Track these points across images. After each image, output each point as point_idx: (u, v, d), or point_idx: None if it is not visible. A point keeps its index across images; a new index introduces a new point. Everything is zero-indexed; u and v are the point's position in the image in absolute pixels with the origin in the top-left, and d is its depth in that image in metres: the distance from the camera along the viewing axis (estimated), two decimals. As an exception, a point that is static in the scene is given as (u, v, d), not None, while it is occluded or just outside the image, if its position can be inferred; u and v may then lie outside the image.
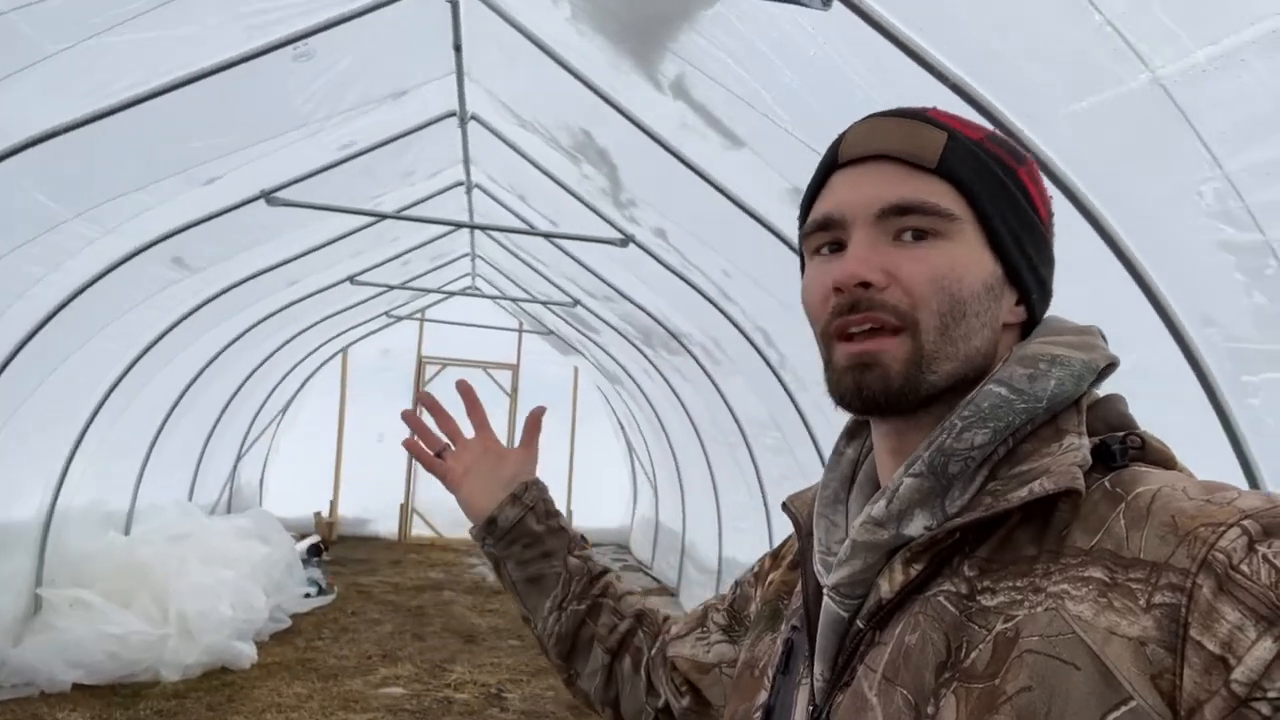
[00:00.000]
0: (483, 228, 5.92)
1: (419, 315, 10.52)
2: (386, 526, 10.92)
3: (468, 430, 1.23)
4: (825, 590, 0.73)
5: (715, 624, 1.02)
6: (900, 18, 2.17)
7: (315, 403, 10.73)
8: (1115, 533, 0.59)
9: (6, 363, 4.12)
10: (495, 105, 4.50)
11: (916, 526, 0.68)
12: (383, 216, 5.44)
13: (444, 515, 10.91)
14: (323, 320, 8.21)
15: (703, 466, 7.43)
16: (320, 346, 9.59)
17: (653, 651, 1.08)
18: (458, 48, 3.88)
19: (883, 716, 0.64)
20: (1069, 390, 0.68)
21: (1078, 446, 0.65)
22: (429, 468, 1.20)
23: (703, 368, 6.04)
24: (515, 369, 11.11)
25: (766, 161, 3.14)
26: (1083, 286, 2.23)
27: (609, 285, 6.07)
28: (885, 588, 0.68)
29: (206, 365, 6.84)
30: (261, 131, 3.95)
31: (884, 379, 0.69)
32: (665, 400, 7.74)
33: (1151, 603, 0.54)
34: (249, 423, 9.26)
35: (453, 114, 4.69)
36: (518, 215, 6.10)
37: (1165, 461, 0.66)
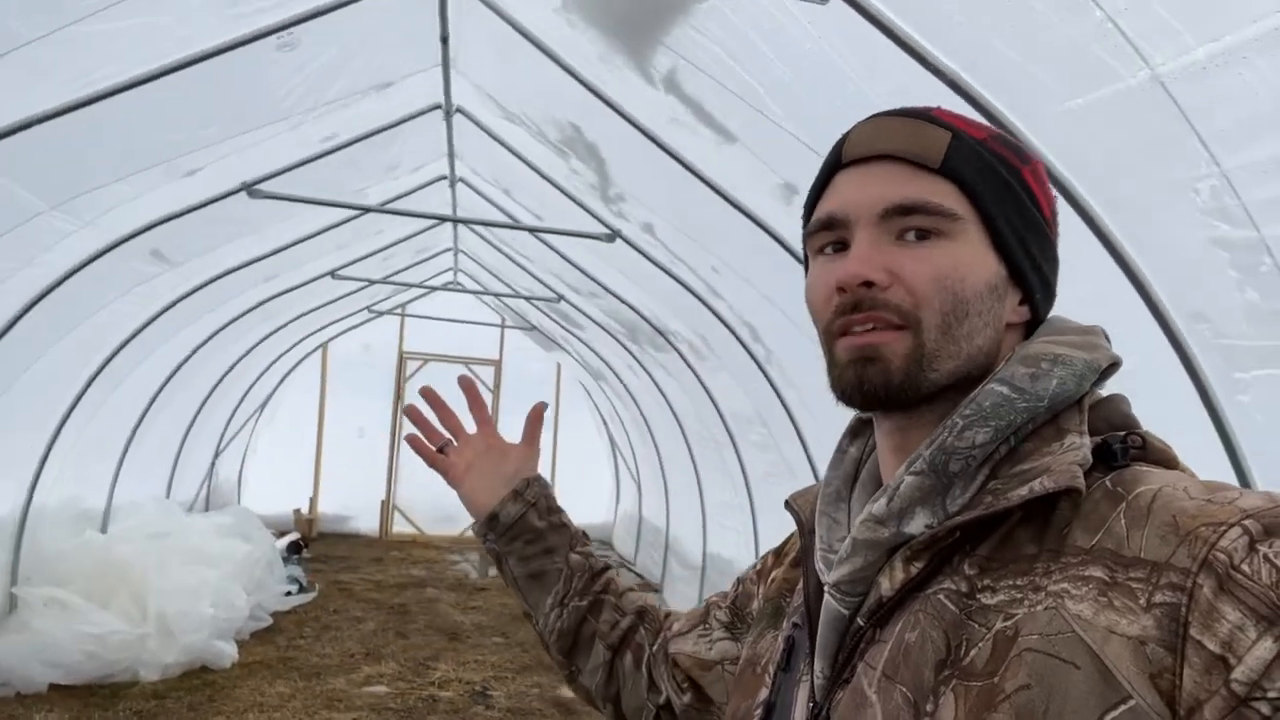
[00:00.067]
0: (466, 222, 5.87)
1: (400, 310, 10.44)
2: (367, 523, 10.84)
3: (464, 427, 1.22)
4: (826, 588, 0.73)
5: (717, 621, 1.02)
6: (897, 12, 2.16)
7: (294, 398, 10.61)
8: (1116, 532, 0.59)
9: (-20, 358, 4.04)
10: (482, 98, 4.45)
11: (917, 525, 0.68)
12: (366, 210, 5.38)
13: (425, 512, 10.85)
14: (303, 315, 8.12)
15: (687, 462, 7.42)
16: (300, 341, 9.49)
17: (654, 648, 1.08)
18: (445, 39, 3.84)
19: (882, 714, 0.64)
20: (1071, 390, 0.68)
21: (1079, 446, 0.65)
22: (431, 463, 1.20)
23: (688, 363, 6.03)
24: (498, 365, 11.06)
25: (758, 157, 3.12)
26: (1076, 283, 2.24)
27: (594, 281, 6.04)
28: (886, 585, 0.68)
29: (184, 361, 6.74)
30: (244, 123, 3.89)
31: (885, 373, 0.69)
32: (649, 396, 7.73)
33: (1152, 602, 0.54)
34: (227, 419, 9.15)
35: (438, 107, 4.64)
36: (503, 210, 6.05)
37: (1167, 461, 0.66)
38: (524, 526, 1.13)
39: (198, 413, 7.95)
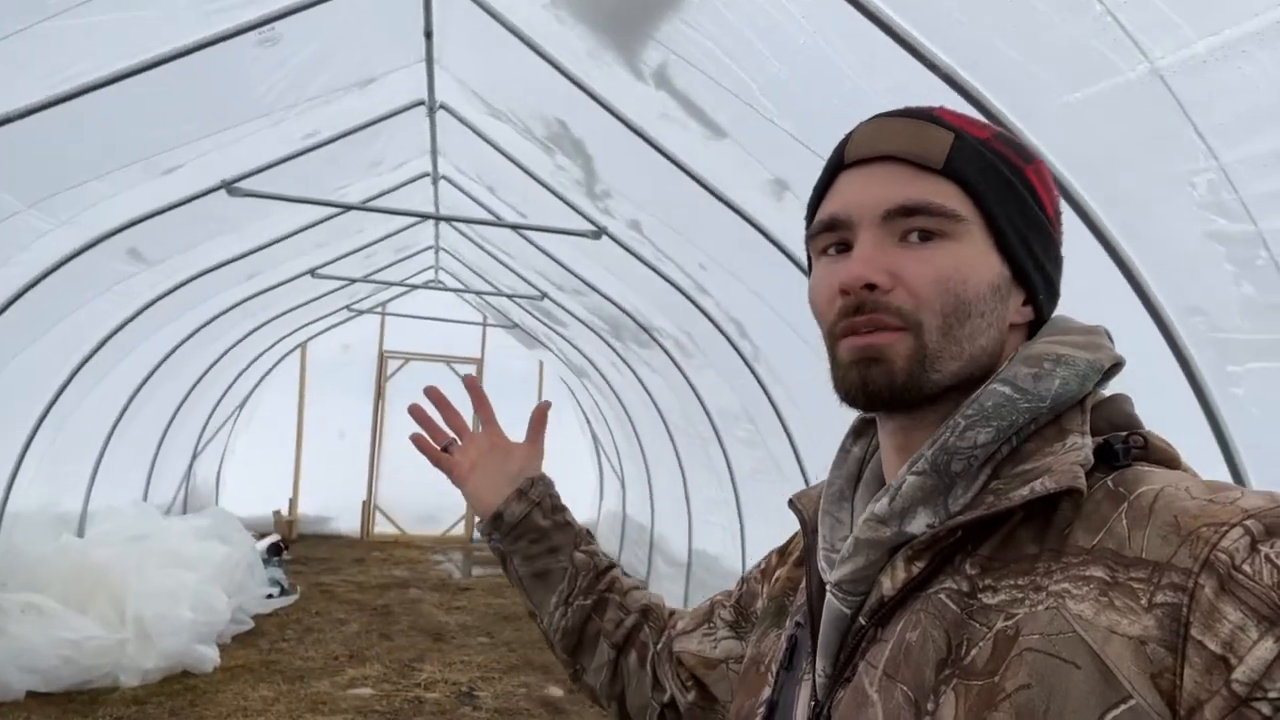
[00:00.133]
0: (449, 219, 5.81)
1: (380, 309, 10.34)
2: (348, 524, 10.74)
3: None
4: (828, 587, 0.73)
5: (722, 620, 1.03)
6: (894, 8, 2.15)
7: (273, 399, 10.48)
8: (1117, 532, 0.59)
9: (-46, 360, 3.95)
10: (466, 94, 4.41)
11: (919, 524, 0.69)
12: (347, 207, 5.32)
13: (407, 512, 10.77)
14: (282, 314, 8.02)
15: (672, 459, 7.41)
16: (279, 341, 9.38)
17: (658, 646, 1.08)
18: (429, 34, 3.79)
19: (883, 713, 0.64)
20: (1073, 390, 0.68)
21: (1080, 446, 0.65)
22: (436, 463, 1.20)
23: (673, 360, 6.01)
24: (479, 363, 10.99)
25: (750, 152, 3.10)
26: (1069, 277, 2.24)
27: (579, 278, 6.01)
28: (887, 585, 0.68)
29: (161, 362, 6.64)
30: (224, 119, 3.82)
31: (888, 374, 0.69)
32: (633, 393, 7.71)
33: (1153, 602, 0.54)
34: (205, 420, 9.03)
35: (421, 103, 4.59)
36: (486, 207, 6.00)
37: (1169, 461, 0.66)
38: (528, 525, 1.13)
39: (175, 414, 7.83)
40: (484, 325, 10.84)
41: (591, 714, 5.31)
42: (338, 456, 10.53)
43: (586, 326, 7.19)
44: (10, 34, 2.65)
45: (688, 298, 4.84)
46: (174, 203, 4.32)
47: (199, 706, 4.98)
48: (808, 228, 0.78)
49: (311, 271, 6.84)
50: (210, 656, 5.61)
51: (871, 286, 0.69)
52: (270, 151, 4.37)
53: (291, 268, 6.58)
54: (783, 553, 0.98)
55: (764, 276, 3.91)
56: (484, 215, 6.04)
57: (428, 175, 5.78)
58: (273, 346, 9.39)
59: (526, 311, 8.41)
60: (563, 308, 7.21)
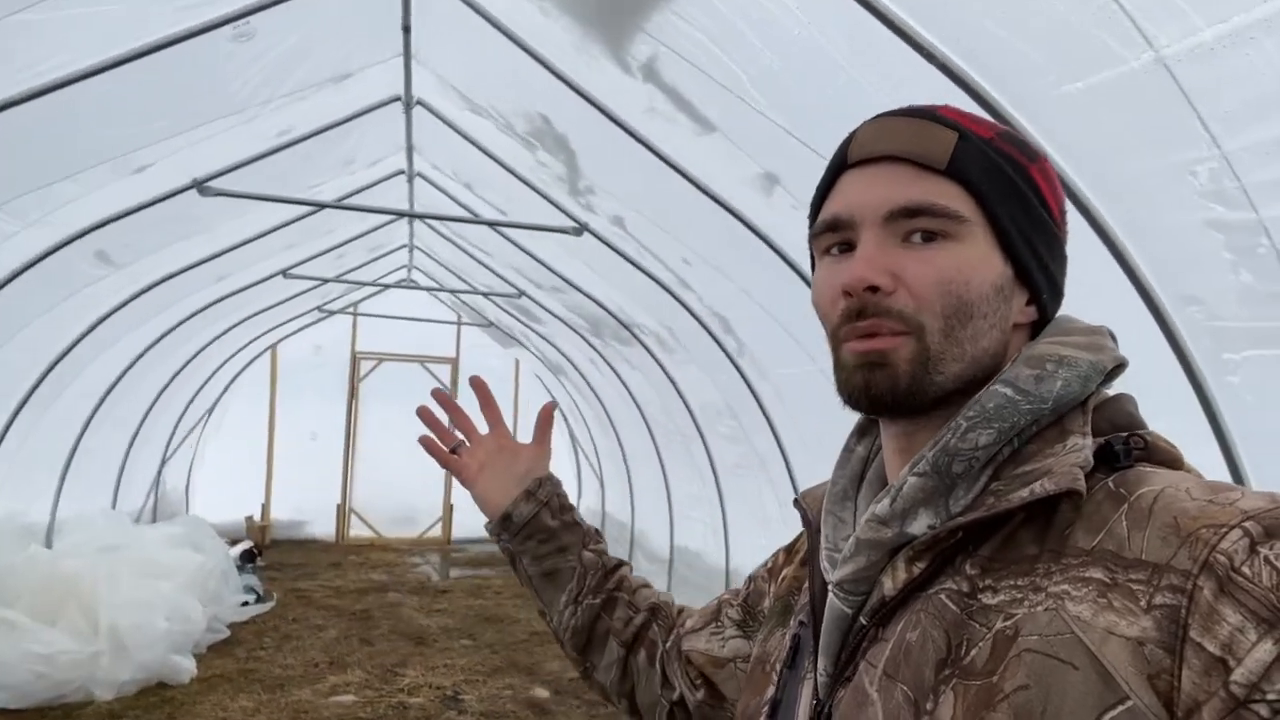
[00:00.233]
0: (424, 217, 5.73)
1: (352, 309, 10.19)
2: (323, 528, 10.57)
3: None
4: (830, 586, 0.74)
5: (729, 619, 1.03)
6: (891, -3, 2.13)
7: (243, 403, 10.29)
8: (1117, 533, 0.59)
9: (-84, 368, 3.81)
10: (445, 89, 4.34)
11: (920, 525, 0.69)
12: (321, 206, 5.22)
13: (383, 514, 10.64)
14: (252, 316, 7.87)
15: (652, 456, 7.39)
16: (248, 344, 9.21)
17: (667, 645, 1.08)
18: (406, 29, 3.72)
19: (883, 712, 0.64)
20: (1075, 391, 0.68)
21: (1081, 447, 0.65)
22: (445, 465, 1.21)
23: (654, 357, 5.99)
24: (454, 363, 10.88)
25: (739, 146, 3.08)
26: (1068, 271, 2.24)
27: (558, 275, 5.95)
28: (888, 585, 0.69)
29: (129, 366, 6.48)
30: (197, 116, 3.72)
31: (892, 378, 0.69)
32: (612, 390, 7.67)
33: (1152, 604, 0.54)
34: (173, 425, 8.84)
35: (397, 99, 4.51)
36: (463, 205, 5.92)
37: (1171, 462, 0.66)
38: (537, 526, 1.14)
39: (144, 419, 7.66)
40: (458, 324, 10.73)
41: (578, 715, 5.27)
42: (310, 459, 10.37)
43: (565, 324, 7.13)
44: (-27, 28, 2.55)
45: (670, 294, 4.81)
46: (144, 203, 4.21)
47: (177, 718, 4.87)
48: (811, 227, 0.78)
49: (283, 272, 6.71)
50: (187, 667, 5.49)
51: (874, 288, 0.69)
52: (243, 149, 4.27)
53: (262, 269, 6.45)
54: (789, 551, 0.99)
55: (751, 272, 3.90)
56: (461, 213, 5.96)
57: (403, 173, 5.70)
58: (242, 349, 9.22)
59: (503, 310, 8.34)
60: (541, 305, 7.15)
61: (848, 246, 0.73)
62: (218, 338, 7.82)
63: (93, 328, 5.29)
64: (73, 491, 6.36)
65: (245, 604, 7.06)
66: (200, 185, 4.29)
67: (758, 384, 4.76)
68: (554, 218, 4.77)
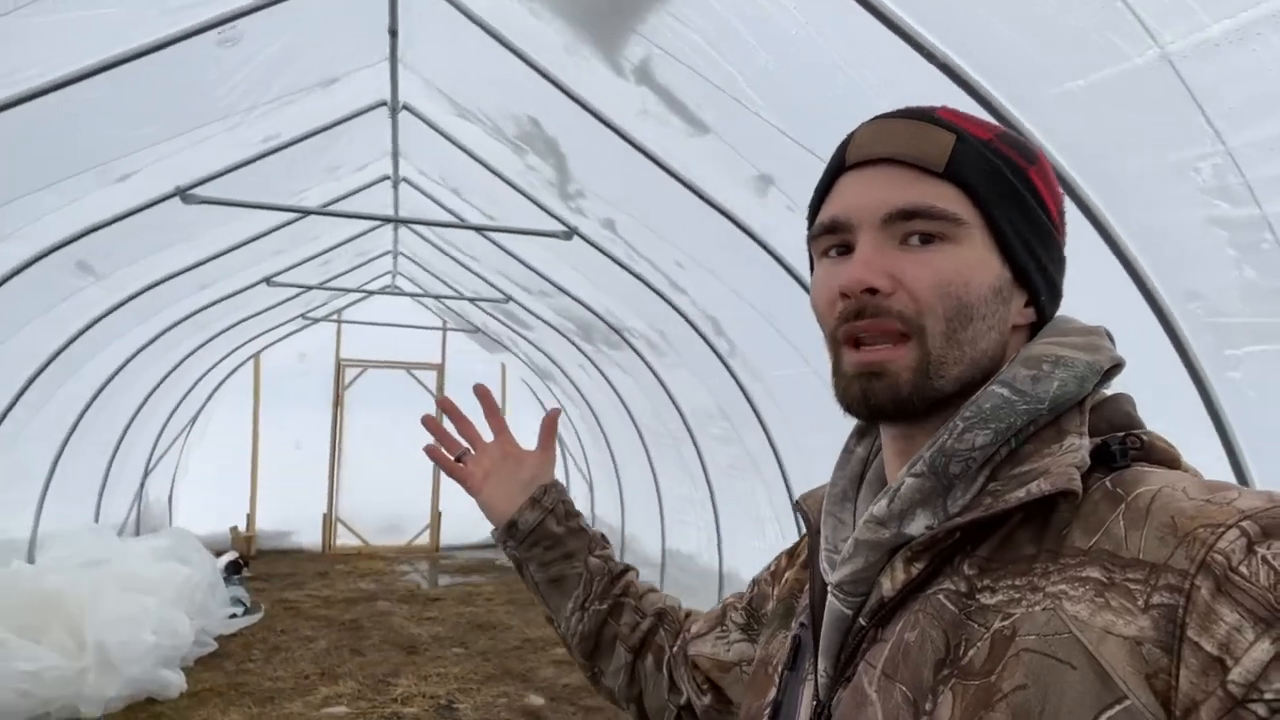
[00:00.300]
0: (410, 222, 5.68)
1: (336, 317, 10.10)
2: (309, 538, 10.46)
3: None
4: (830, 588, 0.74)
5: (734, 623, 1.04)
6: (891, -5, 2.12)
7: (226, 412, 10.16)
8: (1114, 533, 0.59)
9: (-106, 383, 3.72)
10: (432, 94, 4.30)
11: (918, 526, 0.69)
12: (306, 213, 5.17)
13: (369, 523, 10.53)
14: (235, 325, 7.78)
15: (642, 459, 7.36)
16: (231, 353, 9.09)
17: (674, 650, 1.09)
18: (393, 32, 3.68)
19: (882, 712, 0.64)
20: (1072, 391, 0.68)
21: (1077, 447, 0.65)
22: (450, 473, 1.21)
23: (645, 360, 5.96)
24: (440, 369, 10.81)
25: (734, 148, 3.06)
26: (1068, 269, 2.24)
27: (547, 280, 5.92)
28: (887, 586, 0.69)
29: (111, 378, 6.38)
30: (181, 123, 3.67)
31: (892, 388, 0.69)
32: (602, 394, 7.64)
33: (1149, 603, 0.54)
34: (156, 436, 8.72)
35: (383, 104, 4.46)
36: (449, 210, 5.88)
37: (1170, 462, 0.66)
38: (543, 533, 1.14)
39: (125, 431, 7.54)
40: (444, 330, 10.66)
41: (575, 721, 5.24)
42: (295, 468, 10.25)
43: (553, 328, 7.10)
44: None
45: (661, 296, 4.79)
46: (126, 211, 4.14)
47: (167, 735, 4.79)
48: (809, 229, 0.78)
49: (267, 280, 6.64)
50: (175, 682, 5.40)
51: (872, 290, 0.69)
52: (227, 156, 4.21)
53: (246, 277, 6.38)
54: (792, 554, 0.99)
55: (744, 273, 3.88)
56: (447, 218, 5.91)
57: (388, 178, 5.64)
58: (225, 358, 9.11)
59: (489, 315, 8.29)
60: (528, 310, 7.11)
61: (846, 249, 0.73)
62: (200, 347, 7.72)
63: (73, 339, 5.20)
64: (55, 506, 6.25)
65: (233, 616, 6.97)
66: (184, 193, 4.23)
67: (750, 385, 4.74)
68: (543, 222, 4.74)
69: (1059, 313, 0.76)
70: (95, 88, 2.97)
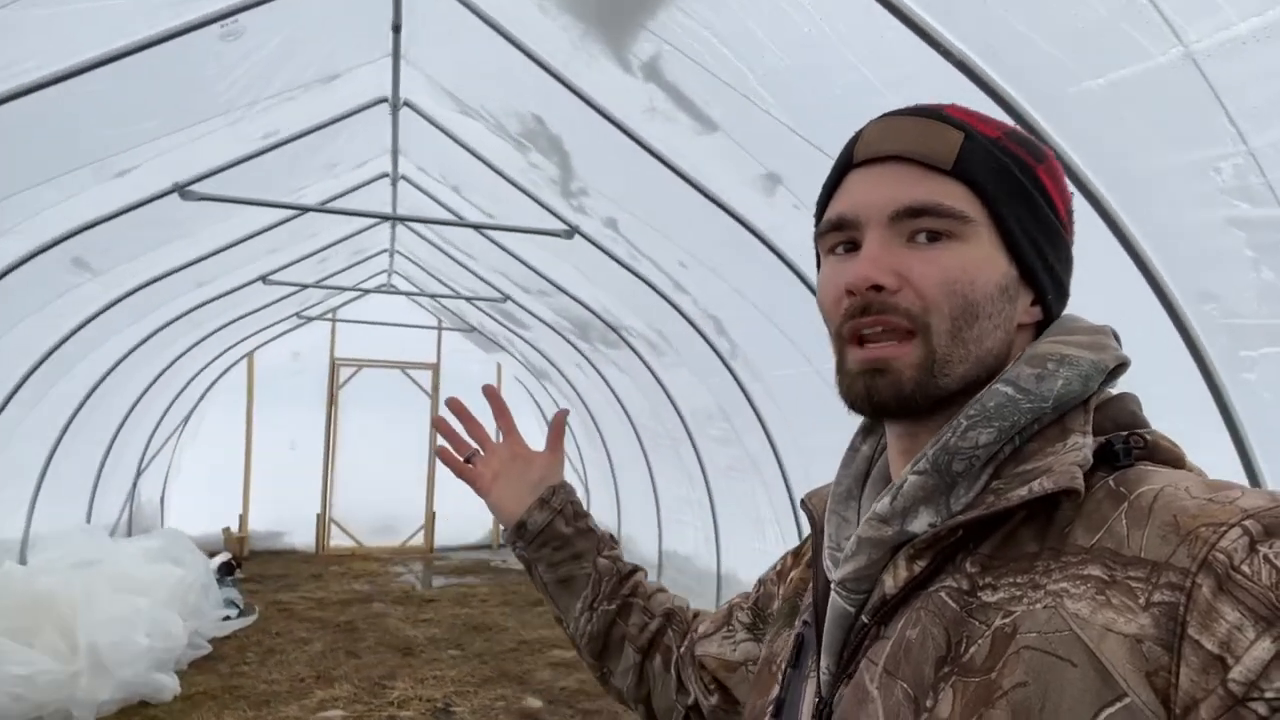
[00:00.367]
0: (408, 220, 5.63)
1: (331, 315, 10.04)
2: (303, 538, 10.38)
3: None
4: (832, 585, 0.74)
5: (740, 622, 1.04)
6: (908, -8, 2.10)
7: (219, 412, 10.07)
8: (1116, 531, 0.59)
9: (-114, 381, 3.67)
10: (434, 90, 4.26)
11: (921, 523, 0.69)
12: (304, 210, 5.12)
13: (363, 523, 10.47)
14: (229, 324, 7.72)
15: (639, 459, 7.34)
16: (224, 352, 9.03)
17: (681, 650, 1.09)
18: (396, 28, 3.64)
19: (883, 709, 0.65)
20: (1076, 390, 0.68)
21: (1081, 446, 0.65)
22: (459, 474, 1.21)
23: (643, 360, 5.93)
24: (435, 368, 10.75)
25: (742, 146, 3.04)
26: (1079, 266, 2.22)
27: (546, 279, 5.89)
28: (889, 583, 0.69)
29: (105, 376, 6.32)
30: (181, 118, 3.62)
31: (896, 385, 0.69)
32: (599, 394, 7.61)
33: (1150, 601, 0.54)
34: (148, 436, 8.65)
35: (384, 100, 4.43)
36: (448, 208, 5.84)
37: (1174, 461, 0.66)
38: (552, 533, 1.15)
39: (118, 431, 7.48)
40: (439, 329, 10.60)
41: (573, 724, 5.20)
42: (289, 469, 10.18)
43: (551, 328, 7.06)
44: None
45: (663, 296, 4.77)
46: (124, 207, 4.09)
47: (161, 738, 4.74)
48: (816, 226, 0.78)
49: (263, 278, 6.59)
50: (169, 685, 5.34)
51: (878, 288, 0.69)
52: (227, 152, 4.17)
53: (242, 274, 6.33)
54: (797, 554, 0.99)
55: (747, 273, 3.86)
56: (446, 216, 5.87)
57: (386, 176, 5.60)
58: (218, 358, 9.04)
59: (486, 314, 8.25)
60: (526, 309, 7.07)
61: (853, 246, 0.73)
62: (194, 345, 7.67)
63: (69, 336, 5.15)
64: (46, 506, 6.19)
65: (227, 618, 6.91)
66: (182, 189, 4.18)
67: (750, 385, 4.72)
68: (544, 220, 4.71)
69: (1066, 311, 0.76)
70: (95, 81, 2.93)
